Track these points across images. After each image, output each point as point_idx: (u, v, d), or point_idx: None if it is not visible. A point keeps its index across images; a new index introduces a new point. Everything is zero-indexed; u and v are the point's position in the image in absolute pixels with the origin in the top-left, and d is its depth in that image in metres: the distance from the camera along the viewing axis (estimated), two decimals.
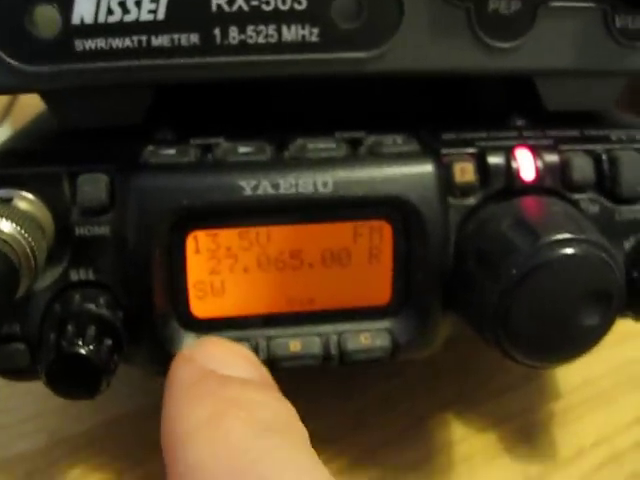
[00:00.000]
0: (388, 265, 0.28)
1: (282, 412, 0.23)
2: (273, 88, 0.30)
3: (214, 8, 0.25)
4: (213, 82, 0.27)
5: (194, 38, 0.26)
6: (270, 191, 0.26)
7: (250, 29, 0.26)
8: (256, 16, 0.26)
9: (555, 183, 0.28)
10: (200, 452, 0.21)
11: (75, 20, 0.25)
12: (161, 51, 0.26)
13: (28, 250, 0.24)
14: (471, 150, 0.28)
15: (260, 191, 0.26)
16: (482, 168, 0.28)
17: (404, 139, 0.28)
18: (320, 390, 0.35)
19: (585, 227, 0.26)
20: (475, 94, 0.34)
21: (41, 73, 0.26)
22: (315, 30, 0.26)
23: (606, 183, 0.28)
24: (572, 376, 0.37)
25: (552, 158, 0.28)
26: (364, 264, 0.28)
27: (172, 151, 0.27)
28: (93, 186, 0.26)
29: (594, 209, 0.28)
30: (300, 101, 0.32)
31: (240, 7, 0.25)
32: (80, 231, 0.26)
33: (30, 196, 0.26)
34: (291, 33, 0.26)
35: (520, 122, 0.30)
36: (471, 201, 0.28)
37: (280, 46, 0.26)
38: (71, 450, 0.33)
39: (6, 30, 0.25)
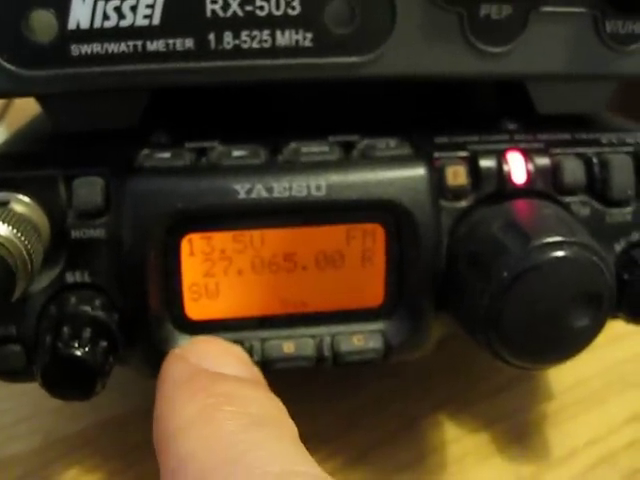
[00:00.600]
0: (381, 267, 0.28)
1: (272, 408, 0.23)
2: (267, 93, 0.31)
3: (209, 13, 0.26)
4: (208, 86, 0.27)
5: (189, 43, 0.26)
6: (264, 194, 0.26)
7: (244, 34, 0.26)
8: (250, 21, 0.26)
9: (546, 186, 0.28)
10: (192, 445, 0.21)
11: (71, 25, 0.25)
12: (156, 56, 0.26)
13: (24, 253, 0.24)
14: (463, 154, 0.28)
15: (254, 194, 0.26)
16: (474, 171, 0.28)
17: (397, 143, 0.28)
18: (313, 391, 0.35)
19: (576, 230, 0.26)
20: (467, 98, 0.34)
21: (37, 77, 0.26)
22: (309, 35, 0.26)
23: (597, 186, 0.29)
24: (564, 376, 0.38)
25: (543, 161, 0.28)
26: (357, 267, 0.28)
27: (167, 154, 0.27)
28: (89, 189, 0.26)
29: (585, 212, 0.29)
30: (294, 105, 0.32)
31: (234, 12, 0.26)
32: (76, 234, 0.26)
33: (26, 199, 0.26)
34: (285, 38, 0.26)
35: (511, 126, 0.30)
36: (463, 204, 0.28)
37: (274, 51, 0.26)
38: (66, 451, 0.33)
39: (2, 35, 0.25)
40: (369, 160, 0.28)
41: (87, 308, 0.26)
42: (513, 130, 0.30)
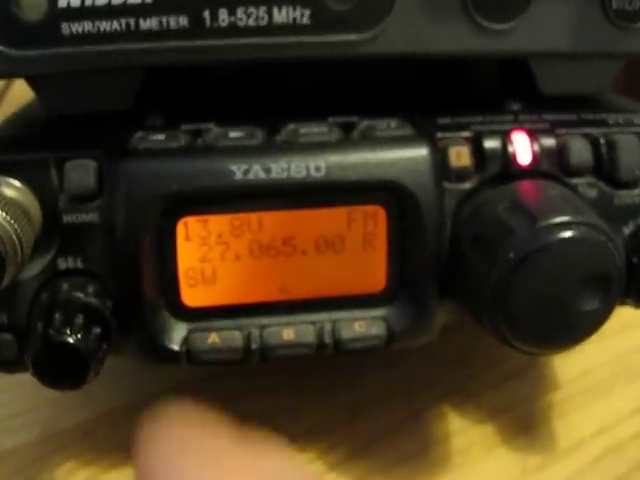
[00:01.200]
0: (383, 251, 0.27)
1: None
2: (264, 73, 0.30)
3: None
4: (203, 66, 0.27)
5: (183, 21, 0.25)
6: (261, 175, 0.26)
7: (240, 11, 0.25)
8: None
9: (552, 167, 0.28)
10: None
11: (62, 3, 0.25)
12: (150, 34, 0.25)
13: (14, 238, 0.23)
14: (467, 134, 0.28)
15: (251, 176, 0.26)
16: (478, 152, 0.27)
17: (398, 123, 0.28)
18: (315, 382, 0.35)
19: (583, 210, 0.25)
20: (470, 78, 0.33)
21: (27, 58, 0.25)
22: (306, 12, 0.26)
23: (604, 167, 0.28)
24: (571, 366, 0.37)
25: (549, 142, 0.28)
26: (358, 250, 0.27)
27: (162, 136, 0.27)
28: (81, 172, 0.26)
29: (592, 194, 0.28)
30: (292, 86, 0.31)
31: None
32: (68, 218, 0.26)
33: (17, 183, 0.25)
34: (282, 15, 0.26)
35: (516, 106, 0.30)
36: (467, 185, 0.27)
37: (271, 28, 0.26)
38: (63, 444, 0.33)
39: None
40: (370, 140, 0.27)
41: (80, 294, 0.25)
42: (518, 110, 0.30)
